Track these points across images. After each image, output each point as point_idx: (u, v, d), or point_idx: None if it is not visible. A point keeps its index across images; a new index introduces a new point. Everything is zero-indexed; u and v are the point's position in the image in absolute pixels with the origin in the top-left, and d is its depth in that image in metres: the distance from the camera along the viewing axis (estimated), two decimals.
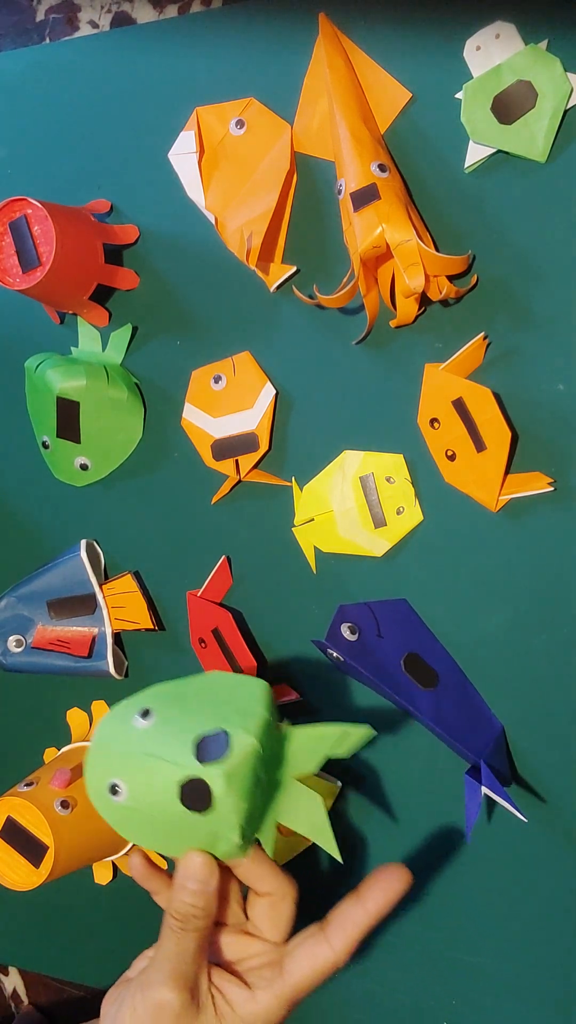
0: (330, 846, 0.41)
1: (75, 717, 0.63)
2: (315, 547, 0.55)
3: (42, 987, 0.69)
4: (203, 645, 0.57)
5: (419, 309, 0.51)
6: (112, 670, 0.59)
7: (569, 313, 0.49)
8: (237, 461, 0.56)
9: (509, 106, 0.48)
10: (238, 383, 0.56)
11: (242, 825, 0.38)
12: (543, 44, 0.48)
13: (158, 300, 0.59)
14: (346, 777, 0.56)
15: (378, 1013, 0.56)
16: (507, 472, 0.49)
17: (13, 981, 0.70)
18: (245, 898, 0.44)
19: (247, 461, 0.56)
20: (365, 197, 0.48)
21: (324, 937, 0.40)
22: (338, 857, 0.41)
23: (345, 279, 0.51)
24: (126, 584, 0.60)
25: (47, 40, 0.64)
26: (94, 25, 0.62)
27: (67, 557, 0.61)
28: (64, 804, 0.53)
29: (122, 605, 0.60)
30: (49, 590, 0.61)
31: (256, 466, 0.56)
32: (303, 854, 0.56)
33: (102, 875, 0.62)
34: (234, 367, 0.57)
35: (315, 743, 0.41)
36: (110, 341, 0.60)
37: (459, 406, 0.48)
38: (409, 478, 0.53)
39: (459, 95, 0.49)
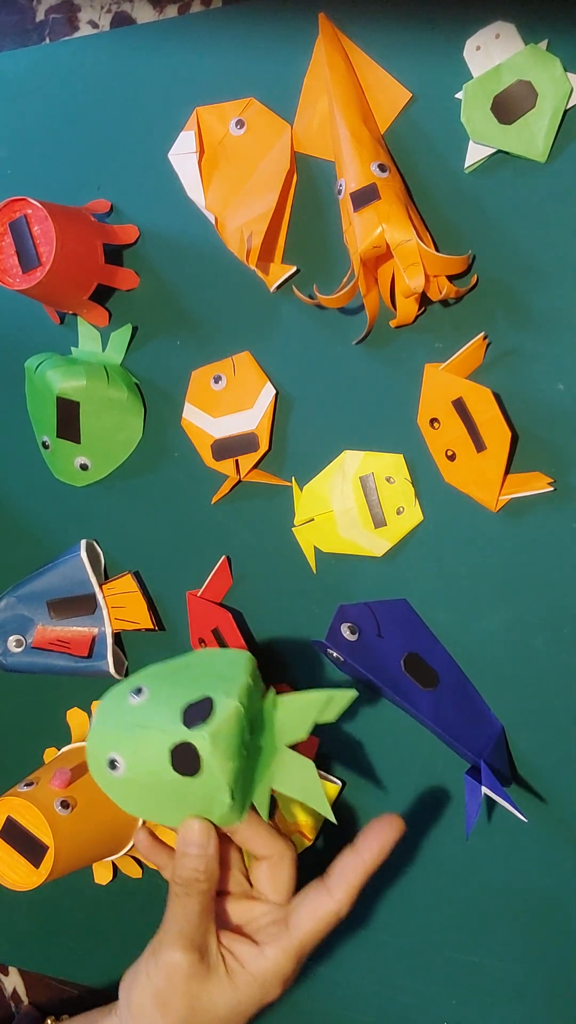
0: (324, 808, 0.42)
1: (75, 717, 0.63)
2: (315, 547, 0.55)
3: (42, 987, 0.69)
4: (203, 645, 0.57)
5: (419, 309, 0.51)
6: (112, 670, 0.59)
7: (569, 313, 0.49)
8: (237, 461, 0.56)
9: (509, 106, 0.48)
10: (238, 383, 0.56)
11: (231, 785, 0.41)
12: (543, 44, 0.48)
13: (158, 300, 0.59)
14: (346, 777, 0.56)
15: (378, 1013, 0.56)
16: (507, 472, 0.49)
17: (13, 981, 0.70)
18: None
19: (247, 461, 0.56)
20: (365, 197, 0.48)
21: (325, 889, 0.42)
22: (332, 818, 0.43)
23: (345, 279, 0.51)
24: (126, 584, 0.60)
25: (47, 40, 0.64)
26: (94, 25, 0.62)
27: (67, 557, 0.61)
28: (64, 804, 0.53)
29: (122, 605, 0.60)
30: (49, 590, 0.61)
31: (256, 466, 0.56)
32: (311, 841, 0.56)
33: (102, 875, 0.62)
34: (234, 367, 0.57)
35: (303, 709, 0.43)
36: (110, 341, 0.60)
37: (459, 406, 0.48)
38: (409, 478, 0.53)
39: (459, 95, 0.49)
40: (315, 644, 0.51)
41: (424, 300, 0.51)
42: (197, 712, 0.41)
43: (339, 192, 0.50)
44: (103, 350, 0.61)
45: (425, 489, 0.53)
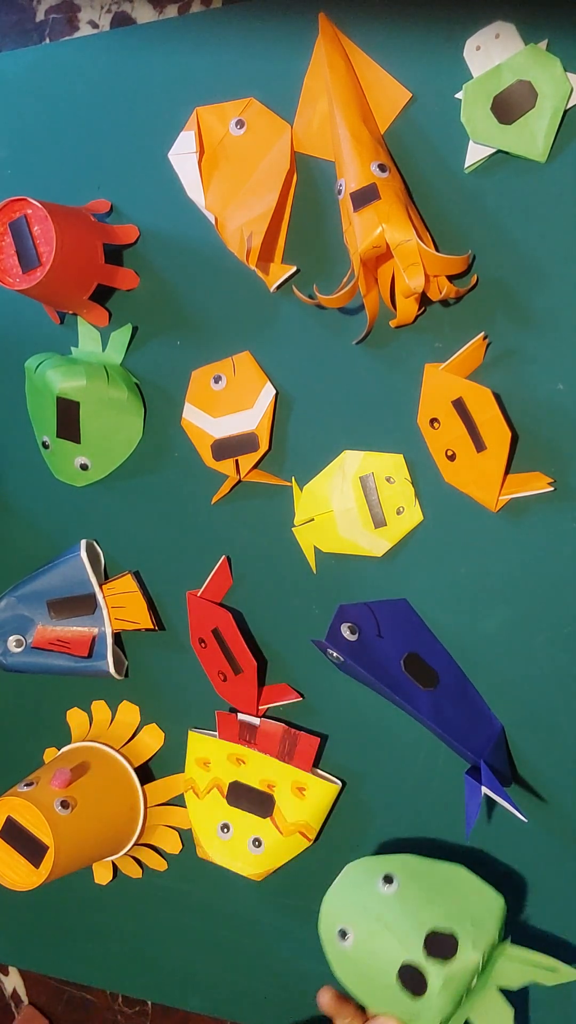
0: None
1: (75, 717, 0.63)
2: (315, 547, 0.55)
3: (42, 987, 0.69)
4: (203, 645, 0.57)
5: (419, 309, 0.51)
6: (112, 670, 0.59)
7: (569, 313, 0.49)
8: (237, 461, 0.56)
9: (509, 106, 0.48)
10: (238, 383, 0.56)
11: (443, 1021, 0.44)
12: (543, 44, 0.48)
13: (158, 300, 0.59)
14: (347, 777, 0.56)
15: None
16: (507, 472, 0.49)
17: (13, 981, 0.70)
18: None
19: (247, 461, 0.56)
20: (365, 197, 0.48)
21: None
22: None
23: (345, 279, 0.51)
24: (126, 584, 0.60)
25: (47, 40, 0.64)
26: (94, 25, 0.62)
27: (67, 557, 0.61)
28: (64, 804, 0.53)
29: (122, 605, 0.60)
30: (49, 590, 0.61)
31: (256, 466, 0.56)
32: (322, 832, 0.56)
33: (102, 875, 0.62)
34: (234, 367, 0.57)
35: (527, 966, 0.45)
36: (110, 341, 0.60)
37: (459, 406, 0.48)
38: (409, 478, 0.53)
39: (459, 95, 0.49)
40: (315, 644, 0.51)
41: (424, 300, 0.51)
42: (440, 946, 0.44)
43: (339, 192, 0.50)
44: (103, 350, 0.61)
45: (425, 489, 0.53)
